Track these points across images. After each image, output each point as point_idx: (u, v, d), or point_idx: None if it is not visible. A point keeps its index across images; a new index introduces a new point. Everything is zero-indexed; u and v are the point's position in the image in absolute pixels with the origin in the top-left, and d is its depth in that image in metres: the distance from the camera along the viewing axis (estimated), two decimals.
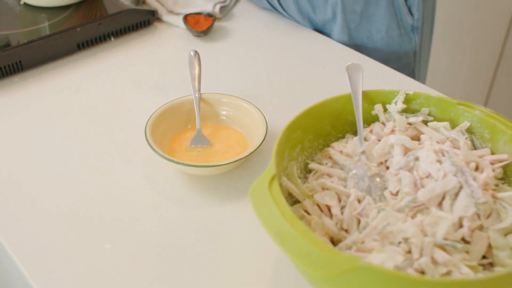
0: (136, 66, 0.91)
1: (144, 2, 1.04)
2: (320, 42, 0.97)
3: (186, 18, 1.00)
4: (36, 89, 0.85)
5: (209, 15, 1.00)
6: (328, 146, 0.66)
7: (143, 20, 0.99)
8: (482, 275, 0.50)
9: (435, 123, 0.64)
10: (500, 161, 0.59)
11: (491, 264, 0.53)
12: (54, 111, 0.81)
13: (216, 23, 1.02)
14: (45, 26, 0.92)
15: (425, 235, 0.52)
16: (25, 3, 0.98)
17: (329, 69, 0.91)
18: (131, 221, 0.64)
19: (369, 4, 0.93)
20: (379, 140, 0.63)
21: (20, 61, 0.87)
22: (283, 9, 0.99)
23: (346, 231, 0.56)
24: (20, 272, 0.59)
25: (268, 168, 0.53)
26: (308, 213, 0.57)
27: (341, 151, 0.64)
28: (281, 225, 0.48)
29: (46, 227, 0.63)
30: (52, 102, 0.83)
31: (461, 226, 0.53)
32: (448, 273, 0.49)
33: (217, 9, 1.02)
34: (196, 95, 0.75)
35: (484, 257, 0.53)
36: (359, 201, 0.57)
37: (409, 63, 1.00)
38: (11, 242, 0.61)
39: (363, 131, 0.64)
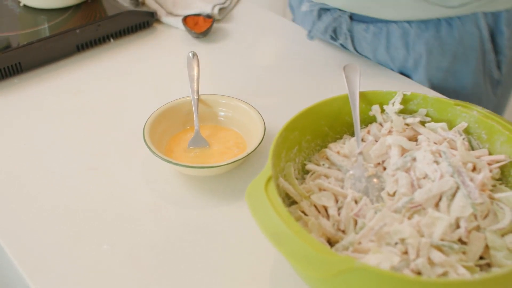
0: (135, 67, 0.92)
1: (143, 4, 1.04)
2: (319, 44, 0.98)
3: (185, 19, 1.00)
4: (36, 90, 0.86)
5: (208, 16, 1.00)
6: (326, 147, 0.66)
7: (142, 21, 0.99)
8: (478, 275, 0.50)
9: (432, 123, 0.64)
10: (498, 162, 0.59)
11: (488, 265, 0.53)
12: (54, 112, 0.81)
13: (215, 25, 1.02)
14: (44, 27, 0.92)
15: (422, 235, 0.52)
16: (24, 5, 0.98)
17: (327, 70, 0.91)
18: (130, 221, 0.64)
19: (457, 60, 0.83)
20: (377, 141, 0.63)
21: (19, 63, 0.87)
22: (358, 52, 0.91)
23: (343, 231, 0.56)
24: (19, 273, 0.59)
25: (264, 169, 0.53)
26: (305, 214, 0.57)
27: (338, 152, 0.64)
28: (277, 226, 0.48)
29: (45, 228, 0.63)
30: (51, 103, 0.83)
31: (458, 226, 0.53)
32: (445, 273, 0.49)
33: (216, 10, 1.03)
34: (195, 96, 0.75)
35: (481, 257, 0.53)
36: (356, 202, 0.57)
37: None
38: (10, 242, 0.61)
39: (360, 132, 0.64)
